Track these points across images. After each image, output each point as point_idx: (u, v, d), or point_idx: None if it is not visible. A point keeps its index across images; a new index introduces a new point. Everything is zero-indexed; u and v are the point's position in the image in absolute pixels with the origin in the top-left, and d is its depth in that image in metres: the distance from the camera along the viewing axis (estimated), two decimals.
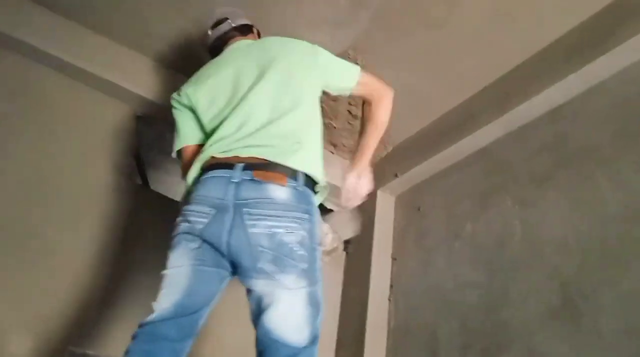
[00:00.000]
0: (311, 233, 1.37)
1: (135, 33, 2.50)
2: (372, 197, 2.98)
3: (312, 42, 1.71)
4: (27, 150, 2.26)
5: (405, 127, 2.81)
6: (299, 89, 1.57)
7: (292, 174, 1.39)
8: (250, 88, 1.54)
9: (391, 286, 2.70)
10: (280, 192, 1.35)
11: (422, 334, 2.34)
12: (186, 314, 1.34)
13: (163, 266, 1.41)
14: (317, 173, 1.48)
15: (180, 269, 1.38)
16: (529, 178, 2.11)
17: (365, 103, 1.76)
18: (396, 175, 2.82)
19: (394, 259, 2.78)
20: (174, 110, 1.70)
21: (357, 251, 2.92)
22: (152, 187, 3.29)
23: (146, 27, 2.45)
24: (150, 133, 2.91)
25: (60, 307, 2.09)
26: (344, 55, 2.42)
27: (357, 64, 2.41)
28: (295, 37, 1.73)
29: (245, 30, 1.86)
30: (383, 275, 2.73)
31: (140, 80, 2.56)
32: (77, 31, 2.46)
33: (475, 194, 2.37)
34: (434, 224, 2.58)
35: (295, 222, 1.34)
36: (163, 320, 1.31)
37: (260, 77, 1.56)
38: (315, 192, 1.50)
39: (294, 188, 1.38)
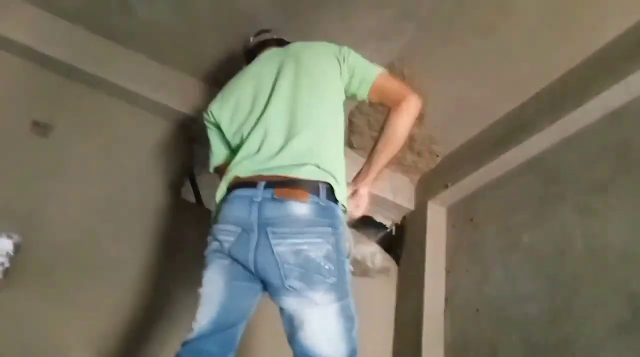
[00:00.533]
0: (337, 246, 1.34)
1: (187, 56, 2.58)
2: (422, 208, 2.94)
3: None
4: (91, 172, 2.37)
5: (455, 136, 2.76)
6: (319, 99, 1.52)
7: (314, 189, 1.36)
8: (268, 101, 1.54)
9: (446, 300, 2.64)
10: (301, 209, 1.33)
11: (480, 348, 2.27)
12: (224, 329, 1.37)
13: None
14: (340, 187, 1.42)
15: (214, 286, 1.40)
16: (588, 185, 2.02)
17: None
18: (447, 186, 2.76)
19: (447, 272, 2.72)
20: (207, 129, 1.73)
21: (409, 265, 2.88)
22: (206, 205, 3.35)
23: (197, 50, 2.53)
24: (202, 152, 2.98)
25: (122, 323, 2.16)
26: (389, 66, 2.41)
27: (403, 75, 2.42)
28: None
29: (283, 43, 1.85)
30: (437, 289, 2.67)
31: (193, 101, 2.64)
32: (133, 57, 2.57)
33: (531, 204, 2.29)
34: (488, 235, 2.51)
35: (320, 237, 1.32)
36: (203, 337, 1.34)
37: (274, 86, 1.55)
38: (337, 202, 1.42)
39: (316, 203, 1.35)
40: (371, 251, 2.86)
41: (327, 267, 1.30)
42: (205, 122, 1.72)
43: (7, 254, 2.00)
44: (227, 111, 1.63)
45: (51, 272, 2.11)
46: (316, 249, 1.30)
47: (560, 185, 2.16)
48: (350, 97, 1.63)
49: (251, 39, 1.89)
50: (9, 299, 2.00)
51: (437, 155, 2.91)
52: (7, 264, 1.99)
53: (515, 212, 2.38)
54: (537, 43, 2.11)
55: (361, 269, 2.78)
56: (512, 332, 2.13)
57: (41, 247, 2.12)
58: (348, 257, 1.40)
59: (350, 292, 1.36)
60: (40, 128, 2.31)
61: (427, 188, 2.96)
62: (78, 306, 2.10)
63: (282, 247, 1.31)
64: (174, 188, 2.57)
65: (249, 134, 1.51)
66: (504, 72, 2.29)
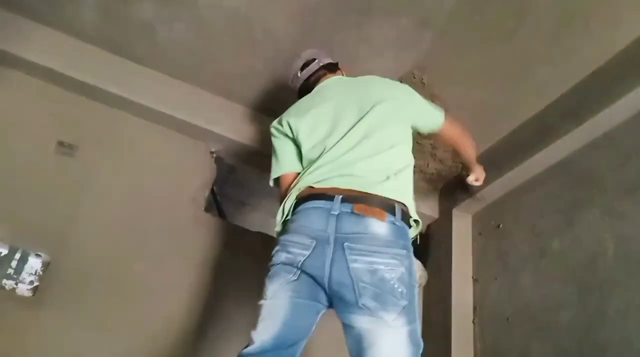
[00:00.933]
0: (410, 270, 1.36)
1: (207, 74, 2.61)
2: (447, 216, 2.90)
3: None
4: (116, 190, 2.41)
5: (477, 142, 2.69)
6: (397, 129, 1.62)
7: (390, 208, 1.39)
8: (353, 125, 1.58)
9: (474, 308, 2.59)
10: (380, 227, 1.35)
11: (512, 356, 2.22)
12: (285, 346, 1.36)
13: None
14: (411, 207, 1.48)
15: (278, 301, 1.39)
16: (618, 187, 1.97)
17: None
18: (471, 193, 2.72)
19: (475, 280, 2.68)
20: (273, 139, 1.76)
21: (436, 274, 2.84)
22: (229, 219, 3.38)
23: (216, 68, 2.55)
24: (222, 167, 3.01)
25: (150, 341, 2.17)
26: (409, 76, 2.40)
27: (422, 83, 2.42)
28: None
29: (332, 67, 1.92)
30: (465, 297, 2.63)
31: (213, 117, 2.67)
32: (154, 76, 2.61)
33: (560, 208, 2.24)
34: (516, 241, 2.46)
35: (395, 259, 1.33)
36: (264, 352, 1.34)
37: (362, 116, 1.60)
38: (410, 227, 1.48)
39: (393, 223, 1.37)
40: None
41: (400, 289, 1.31)
42: (275, 132, 1.75)
43: (37, 272, 2.04)
44: (305, 125, 1.67)
45: (80, 290, 2.15)
46: (391, 270, 1.32)
47: (589, 188, 2.11)
48: (419, 130, 1.79)
49: (299, 74, 1.91)
50: (38, 317, 2.04)
51: (461, 163, 2.87)
52: (36, 283, 2.03)
53: (543, 218, 2.33)
54: (558, 45, 2.07)
55: None
56: (544, 340, 2.08)
57: (69, 266, 2.16)
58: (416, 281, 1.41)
59: (418, 316, 1.36)
60: (66, 148, 2.36)
61: (451, 196, 2.93)
62: (107, 324, 2.13)
63: (358, 264, 1.32)
64: (199, 205, 2.59)
65: (331, 147, 1.56)
66: (525, 76, 2.25)
